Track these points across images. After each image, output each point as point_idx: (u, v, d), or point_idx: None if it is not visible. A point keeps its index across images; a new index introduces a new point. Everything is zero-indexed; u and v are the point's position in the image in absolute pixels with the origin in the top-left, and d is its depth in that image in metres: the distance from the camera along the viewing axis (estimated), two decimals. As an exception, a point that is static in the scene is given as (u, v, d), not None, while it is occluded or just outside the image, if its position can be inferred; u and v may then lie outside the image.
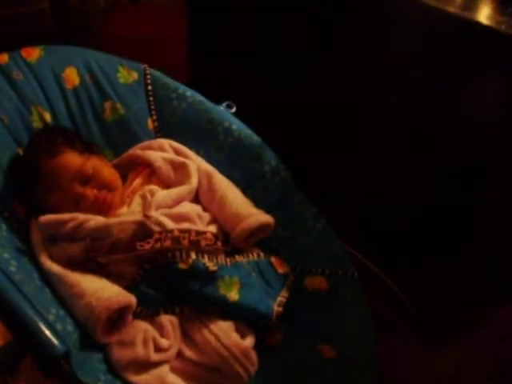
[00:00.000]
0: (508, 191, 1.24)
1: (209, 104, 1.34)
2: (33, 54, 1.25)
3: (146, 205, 1.13)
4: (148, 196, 1.15)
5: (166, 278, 1.04)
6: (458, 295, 1.42)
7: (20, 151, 1.17)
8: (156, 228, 1.06)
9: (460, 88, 1.26)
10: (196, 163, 1.24)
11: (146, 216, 1.07)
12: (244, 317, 1.05)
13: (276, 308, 1.08)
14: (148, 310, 1.02)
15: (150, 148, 1.25)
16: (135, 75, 1.33)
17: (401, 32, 1.34)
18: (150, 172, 1.23)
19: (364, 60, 1.44)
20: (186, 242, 1.06)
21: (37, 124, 1.21)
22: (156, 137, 1.32)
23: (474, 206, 1.33)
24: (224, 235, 1.17)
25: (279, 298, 1.10)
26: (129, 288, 1.02)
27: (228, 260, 1.10)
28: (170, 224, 1.07)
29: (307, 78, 1.59)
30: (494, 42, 1.12)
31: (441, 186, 1.39)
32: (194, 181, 1.20)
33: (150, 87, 1.33)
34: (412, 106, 1.38)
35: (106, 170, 1.18)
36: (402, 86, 1.39)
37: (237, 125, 1.32)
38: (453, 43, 1.23)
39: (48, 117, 1.23)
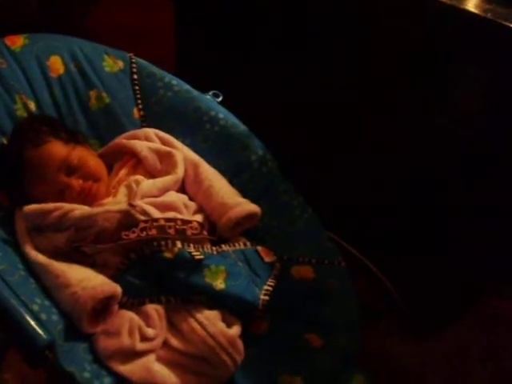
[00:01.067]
0: (506, 191, 1.25)
1: (195, 93, 1.33)
2: (17, 42, 1.24)
3: (131, 194, 1.12)
4: (133, 186, 1.14)
5: (152, 267, 1.03)
6: (446, 286, 1.43)
7: (4, 140, 1.15)
8: (141, 217, 1.05)
9: (455, 80, 1.26)
10: (182, 153, 1.23)
11: (130, 205, 1.06)
12: (230, 306, 1.05)
13: (262, 297, 1.08)
14: (134, 300, 1.01)
15: (135, 137, 1.24)
16: (121, 64, 1.33)
17: (393, 25, 1.34)
18: (136, 162, 1.22)
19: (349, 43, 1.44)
20: (171, 231, 1.05)
21: (21, 112, 1.20)
22: (142, 126, 1.31)
23: (466, 203, 1.33)
24: (210, 225, 1.17)
25: (265, 287, 1.10)
26: (114, 277, 1.01)
27: (214, 249, 1.10)
28: (155, 213, 1.07)
29: (295, 69, 1.59)
30: (480, 30, 1.13)
31: (433, 181, 1.40)
32: (180, 170, 1.19)
33: (135, 76, 1.32)
34: (409, 101, 1.38)
35: (91, 160, 1.17)
36: (395, 82, 1.39)
37: (224, 114, 1.31)
38: (442, 31, 1.24)
39: (32, 105, 1.22)
